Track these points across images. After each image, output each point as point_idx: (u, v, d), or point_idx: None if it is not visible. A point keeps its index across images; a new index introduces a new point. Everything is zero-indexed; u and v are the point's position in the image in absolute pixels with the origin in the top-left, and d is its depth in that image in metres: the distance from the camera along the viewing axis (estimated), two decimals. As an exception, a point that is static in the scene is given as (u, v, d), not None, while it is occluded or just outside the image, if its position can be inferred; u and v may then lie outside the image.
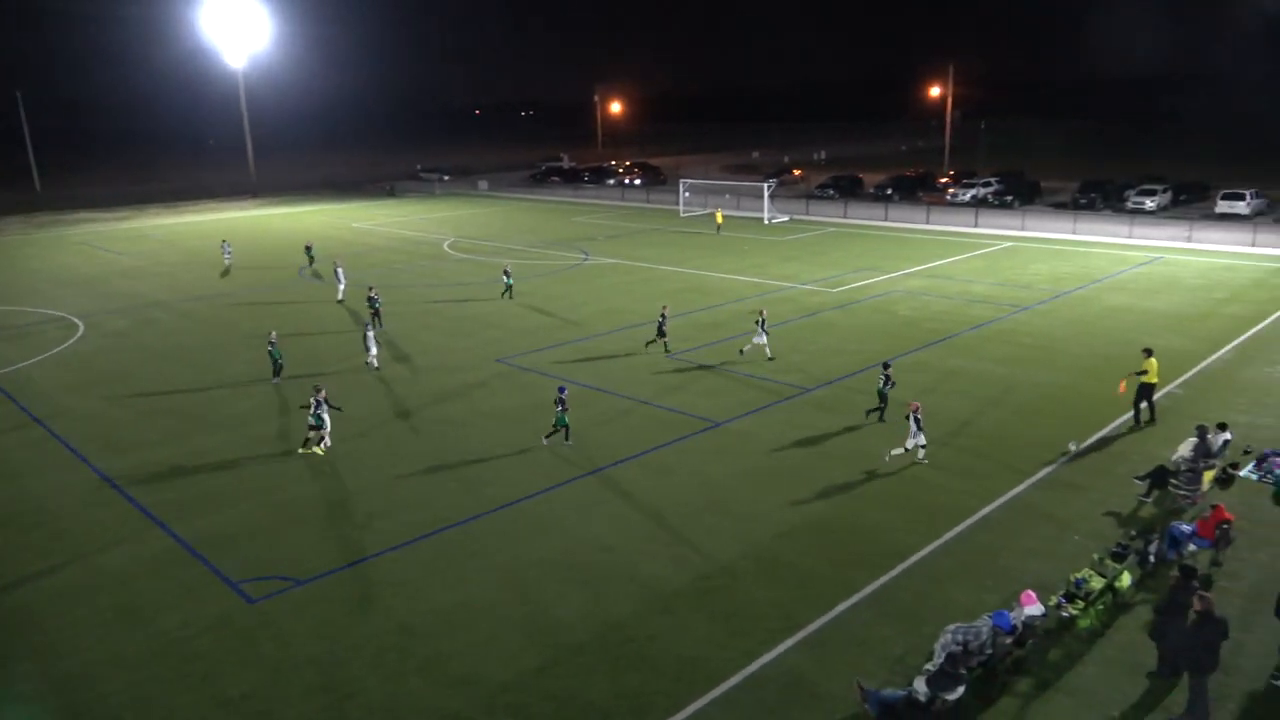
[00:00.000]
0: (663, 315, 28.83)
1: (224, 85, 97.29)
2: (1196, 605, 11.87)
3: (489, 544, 16.86)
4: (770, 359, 27.55)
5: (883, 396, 22.25)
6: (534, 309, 35.71)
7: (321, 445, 21.36)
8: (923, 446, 19.79)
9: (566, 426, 21.20)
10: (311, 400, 21.22)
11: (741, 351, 28.09)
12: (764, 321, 27.69)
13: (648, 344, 28.97)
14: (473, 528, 17.53)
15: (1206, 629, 11.67)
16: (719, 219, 57.26)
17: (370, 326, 29.06)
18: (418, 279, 43.20)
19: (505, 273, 37.85)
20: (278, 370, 26.85)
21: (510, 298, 37.16)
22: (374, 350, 27.57)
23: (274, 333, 27.85)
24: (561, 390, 21.26)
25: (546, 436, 21.41)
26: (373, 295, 32.73)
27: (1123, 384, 22.41)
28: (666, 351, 28.62)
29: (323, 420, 21.19)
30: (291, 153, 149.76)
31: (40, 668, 13.58)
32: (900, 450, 19.90)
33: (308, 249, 47.53)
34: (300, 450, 21.36)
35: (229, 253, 47.47)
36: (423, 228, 62.57)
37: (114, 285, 43.11)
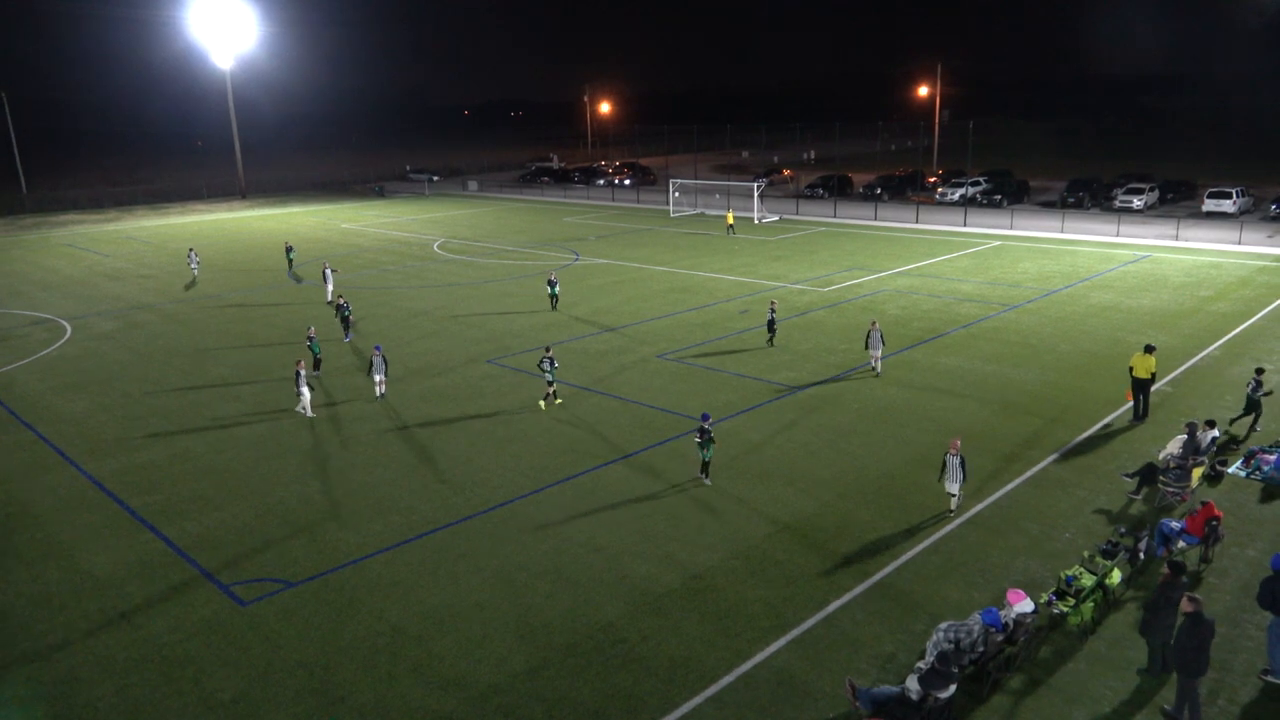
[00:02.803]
0: (772, 310, 29.27)
1: (212, 86, 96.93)
2: (1186, 607, 11.78)
3: (479, 545, 16.83)
4: (877, 374, 26.23)
5: (1253, 404, 21.08)
6: (525, 310, 35.65)
7: (547, 400, 23.89)
8: (953, 495, 17.46)
9: (707, 463, 19.20)
10: (545, 358, 23.55)
11: (874, 368, 26.27)
12: (870, 333, 25.87)
13: (768, 342, 29.29)
14: (462, 529, 17.49)
15: (1196, 631, 11.63)
16: (730, 219, 56.67)
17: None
18: (407, 280, 43.09)
19: (550, 282, 35.71)
20: (317, 364, 27.02)
21: (555, 308, 35.50)
22: (306, 395, 23.80)
23: (312, 328, 27.96)
24: (705, 418, 18.89)
25: (703, 472, 19.26)
26: (342, 303, 31.64)
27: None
28: (770, 344, 29.22)
29: (551, 375, 23.40)
30: (280, 154, 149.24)
31: (28, 672, 13.48)
32: (956, 493, 17.48)
33: (288, 250, 47.31)
34: (542, 403, 23.94)
35: (196, 262, 45.11)
36: (412, 229, 62.41)
37: (100, 288, 42.87)
